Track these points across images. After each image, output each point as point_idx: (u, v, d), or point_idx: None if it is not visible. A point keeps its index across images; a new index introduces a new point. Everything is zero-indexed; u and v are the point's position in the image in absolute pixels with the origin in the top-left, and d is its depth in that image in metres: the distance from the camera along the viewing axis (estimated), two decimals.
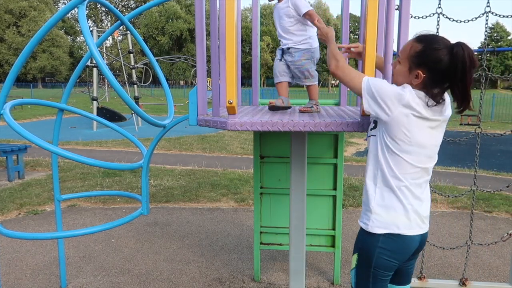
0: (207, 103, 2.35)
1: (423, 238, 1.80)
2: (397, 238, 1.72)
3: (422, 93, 1.66)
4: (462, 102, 1.67)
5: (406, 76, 1.71)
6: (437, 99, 1.66)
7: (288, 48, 2.42)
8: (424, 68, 1.66)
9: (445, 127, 1.78)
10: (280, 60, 2.48)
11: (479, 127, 3.03)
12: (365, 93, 1.73)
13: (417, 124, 1.65)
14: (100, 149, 10.13)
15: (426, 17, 3.06)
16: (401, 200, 1.71)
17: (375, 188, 1.76)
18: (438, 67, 1.64)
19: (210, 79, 2.35)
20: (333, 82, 59.53)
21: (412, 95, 1.65)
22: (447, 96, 1.73)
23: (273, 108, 2.41)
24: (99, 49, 2.05)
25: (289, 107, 2.47)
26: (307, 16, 2.34)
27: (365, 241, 1.78)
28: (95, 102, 14.02)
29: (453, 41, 1.68)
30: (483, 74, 3.02)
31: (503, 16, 2.95)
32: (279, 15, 2.43)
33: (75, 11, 2.10)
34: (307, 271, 3.66)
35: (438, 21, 2.94)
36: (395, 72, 1.78)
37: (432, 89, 1.67)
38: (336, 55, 1.92)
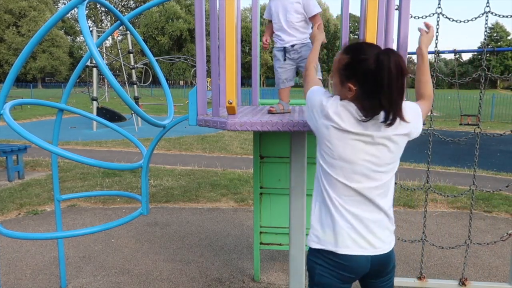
0: (207, 103, 2.36)
1: (376, 260, 1.66)
2: (333, 256, 1.63)
3: (353, 106, 1.56)
4: (389, 112, 1.51)
5: (340, 90, 1.62)
6: (368, 113, 1.52)
7: (293, 46, 2.37)
8: (354, 81, 1.55)
9: (395, 146, 1.62)
10: (285, 61, 2.41)
11: (478, 127, 3.04)
12: (306, 104, 1.74)
13: (338, 137, 1.57)
14: (100, 149, 10.13)
15: (426, 17, 3.06)
16: (334, 217, 1.62)
17: (315, 202, 1.71)
18: (367, 78, 1.51)
19: (210, 79, 2.35)
20: (332, 82, 59.40)
21: (334, 106, 1.57)
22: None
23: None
24: (98, 49, 2.05)
25: (289, 113, 2.45)
26: (315, 18, 2.32)
27: (308, 257, 1.73)
28: (95, 102, 14.02)
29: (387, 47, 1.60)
30: (483, 74, 3.03)
31: (503, 16, 2.95)
32: (285, 9, 2.33)
33: (74, 11, 2.11)
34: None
35: (438, 21, 2.94)
36: (333, 85, 1.70)
37: (363, 101, 1.54)
38: (309, 63, 1.90)
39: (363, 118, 1.53)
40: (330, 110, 1.57)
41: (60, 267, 3.37)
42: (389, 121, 1.52)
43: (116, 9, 2.71)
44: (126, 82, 15.79)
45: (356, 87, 1.55)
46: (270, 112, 2.38)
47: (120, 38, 19.56)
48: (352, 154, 1.57)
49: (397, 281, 3.23)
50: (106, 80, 21.06)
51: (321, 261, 1.66)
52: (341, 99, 1.60)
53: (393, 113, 1.51)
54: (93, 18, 71.71)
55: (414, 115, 1.64)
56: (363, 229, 1.62)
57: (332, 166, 1.61)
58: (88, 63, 13.28)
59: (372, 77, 1.50)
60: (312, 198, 1.73)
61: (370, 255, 1.64)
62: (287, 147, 3.09)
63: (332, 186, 1.62)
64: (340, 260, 1.62)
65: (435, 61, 3.17)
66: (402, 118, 1.53)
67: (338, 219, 1.61)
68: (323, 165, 1.64)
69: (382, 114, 1.53)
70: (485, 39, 3.04)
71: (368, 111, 1.53)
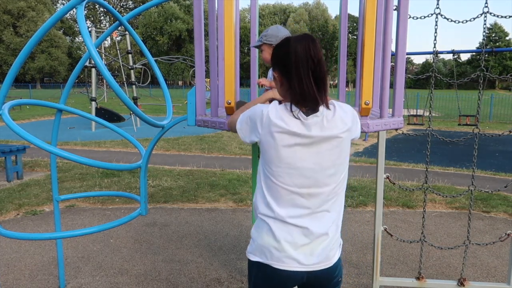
0: (205, 103, 2.36)
1: (314, 276, 1.58)
2: (265, 269, 1.57)
3: (288, 104, 1.52)
4: (302, 99, 1.48)
5: (276, 86, 1.61)
6: (297, 104, 1.49)
7: None
8: (277, 70, 1.55)
9: (339, 146, 1.54)
10: None
11: (477, 128, 3.04)
12: (241, 124, 1.63)
13: (283, 142, 1.50)
14: (99, 149, 10.12)
15: (425, 17, 3.07)
16: (271, 228, 1.55)
17: (257, 213, 1.64)
18: (281, 63, 1.51)
19: (208, 79, 2.36)
20: (331, 82, 59.68)
21: (274, 111, 1.52)
22: (328, 112, 1.53)
23: None
24: (97, 49, 2.05)
25: None
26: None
27: (248, 264, 1.68)
28: (93, 103, 14.01)
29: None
30: (481, 74, 3.03)
31: (501, 17, 2.96)
32: None
33: (73, 11, 2.11)
34: None
35: (436, 22, 2.94)
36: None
37: (289, 92, 1.52)
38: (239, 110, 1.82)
39: (296, 111, 1.49)
40: (271, 115, 1.51)
41: (59, 267, 3.36)
42: (308, 109, 1.49)
43: (115, 9, 2.71)
44: (125, 82, 15.79)
45: (278, 75, 1.55)
46: None
47: (119, 38, 19.55)
48: (298, 158, 1.51)
49: (396, 281, 3.24)
50: (104, 81, 21.04)
51: (255, 273, 1.62)
52: (280, 103, 1.56)
53: (308, 100, 1.48)
54: (92, 19, 71.69)
55: (351, 116, 1.59)
56: (303, 244, 1.55)
57: (278, 175, 1.53)
58: (87, 64, 13.28)
59: (283, 61, 1.50)
60: (253, 209, 1.66)
61: (306, 271, 1.56)
62: None
63: (275, 196, 1.55)
64: (272, 273, 1.57)
65: (433, 61, 3.17)
66: (323, 105, 1.50)
67: (275, 232, 1.55)
68: (268, 174, 1.56)
69: (319, 109, 1.50)
70: (483, 39, 3.05)
71: (294, 102, 1.50)
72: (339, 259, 1.66)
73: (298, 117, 1.49)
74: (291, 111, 1.50)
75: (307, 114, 1.49)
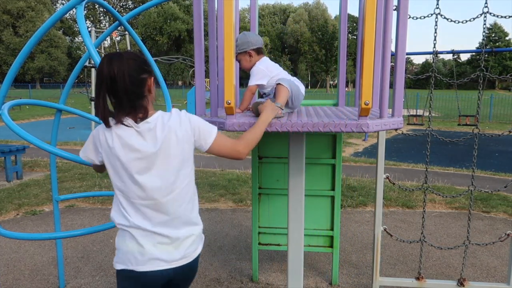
0: (205, 103, 2.36)
1: (179, 271, 1.66)
2: (129, 275, 1.62)
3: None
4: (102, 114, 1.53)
5: None
6: (106, 122, 1.55)
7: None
8: None
9: (173, 157, 1.59)
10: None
11: (477, 128, 3.05)
12: (82, 154, 1.71)
13: (122, 157, 1.57)
14: None
15: (424, 17, 3.07)
16: (133, 235, 1.61)
17: (118, 225, 1.70)
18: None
19: (208, 79, 2.36)
20: (331, 82, 59.66)
21: (107, 128, 1.56)
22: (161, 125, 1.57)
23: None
24: (97, 49, 2.05)
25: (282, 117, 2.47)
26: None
27: (116, 276, 1.72)
28: (93, 103, 14.00)
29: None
30: (481, 74, 3.03)
31: (501, 17, 2.96)
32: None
33: (73, 11, 2.11)
34: (305, 272, 3.66)
35: (436, 22, 2.94)
36: None
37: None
38: None
39: (130, 122, 1.53)
40: (106, 133, 1.56)
41: (59, 268, 3.36)
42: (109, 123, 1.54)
43: (115, 9, 2.71)
44: None
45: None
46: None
47: (118, 38, 19.54)
48: (141, 172, 1.57)
49: (396, 281, 3.24)
50: None
51: (122, 280, 1.67)
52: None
53: (100, 116, 1.53)
54: (92, 19, 71.66)
55: (188, 123, 1.62)
56: (165, 243, 1.61)
57: (125, 189, 1.61)
58: (87, 64, 13.27)
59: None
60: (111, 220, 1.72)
61: (172, 267, 1.63)
62: (286, 148, 3.09)
63: (128, 209, 1.63)
64: (141, 277, 1.61)
65: (433, 61, 3.18)
66: (119, 121, 1.53)
67: (138, 238, 1.60)
68: (117, 190, 1.64)
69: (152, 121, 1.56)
70: (483, 39, 3.05)
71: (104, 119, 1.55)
72: (199, 254, 1.75)
73: (131, 125, 1.54)
74: (122, 123, 1.53)
75: (138, 122, 1.55)
